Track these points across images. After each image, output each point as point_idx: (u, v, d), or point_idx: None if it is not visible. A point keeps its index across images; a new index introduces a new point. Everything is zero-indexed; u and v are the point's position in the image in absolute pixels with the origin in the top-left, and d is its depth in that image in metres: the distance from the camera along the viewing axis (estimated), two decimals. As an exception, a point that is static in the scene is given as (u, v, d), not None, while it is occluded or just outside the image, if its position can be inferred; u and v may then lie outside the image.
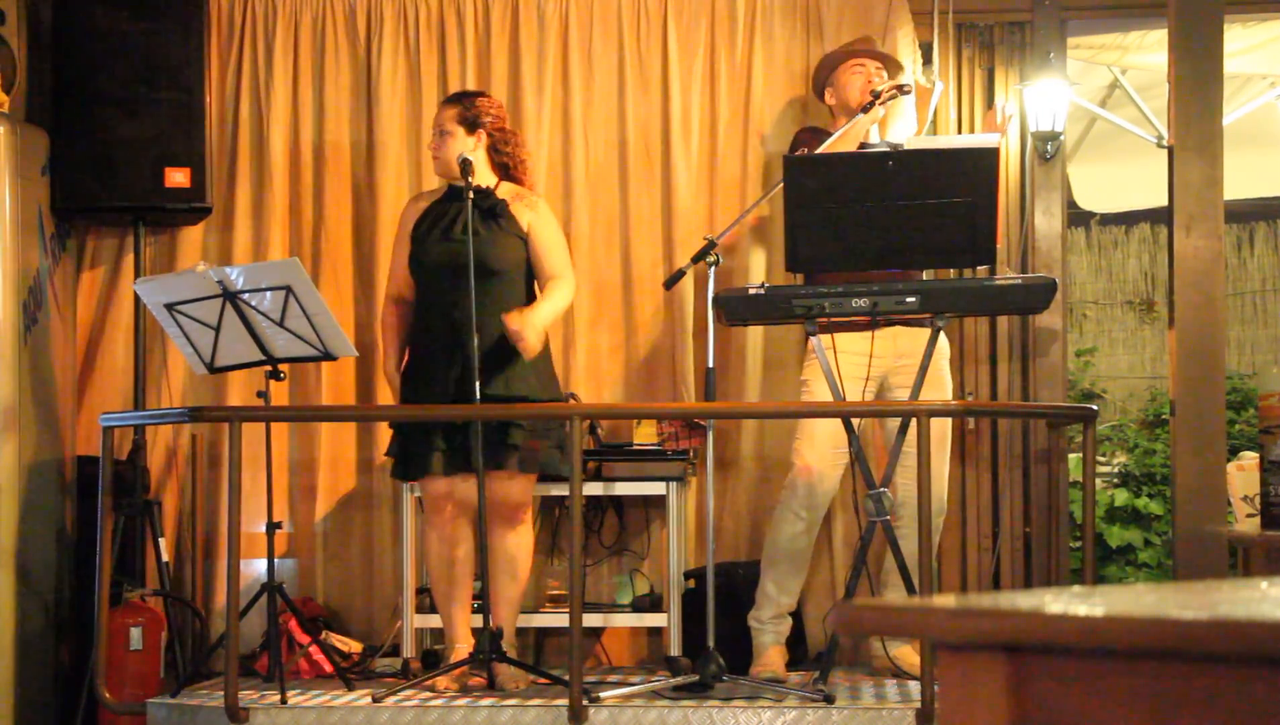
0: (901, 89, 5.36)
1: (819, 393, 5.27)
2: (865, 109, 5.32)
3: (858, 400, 5.11)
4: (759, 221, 5.92)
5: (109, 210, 5.89)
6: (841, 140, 5.28)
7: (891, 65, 5.63)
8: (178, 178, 5.78)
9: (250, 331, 4.96)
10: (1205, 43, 5.20)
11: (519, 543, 5.18)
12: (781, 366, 5.89)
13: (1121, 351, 10.52)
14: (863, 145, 5.33)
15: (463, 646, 5.14)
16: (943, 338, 5.26)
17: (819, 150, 5.22)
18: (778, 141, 5.94)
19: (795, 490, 5.35)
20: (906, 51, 5.96)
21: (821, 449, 5.33)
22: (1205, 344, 5.19)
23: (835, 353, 5.09)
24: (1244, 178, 7.15)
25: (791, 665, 5.45)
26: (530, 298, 5.22)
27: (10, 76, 5.72)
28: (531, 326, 4.95)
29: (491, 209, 5.16)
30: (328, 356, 5.10)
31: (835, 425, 5.22)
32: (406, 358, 5.28)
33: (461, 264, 4.96)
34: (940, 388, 5.34)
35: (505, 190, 5.26)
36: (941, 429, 5.34)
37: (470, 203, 5.02)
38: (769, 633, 5.39)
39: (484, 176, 5.23)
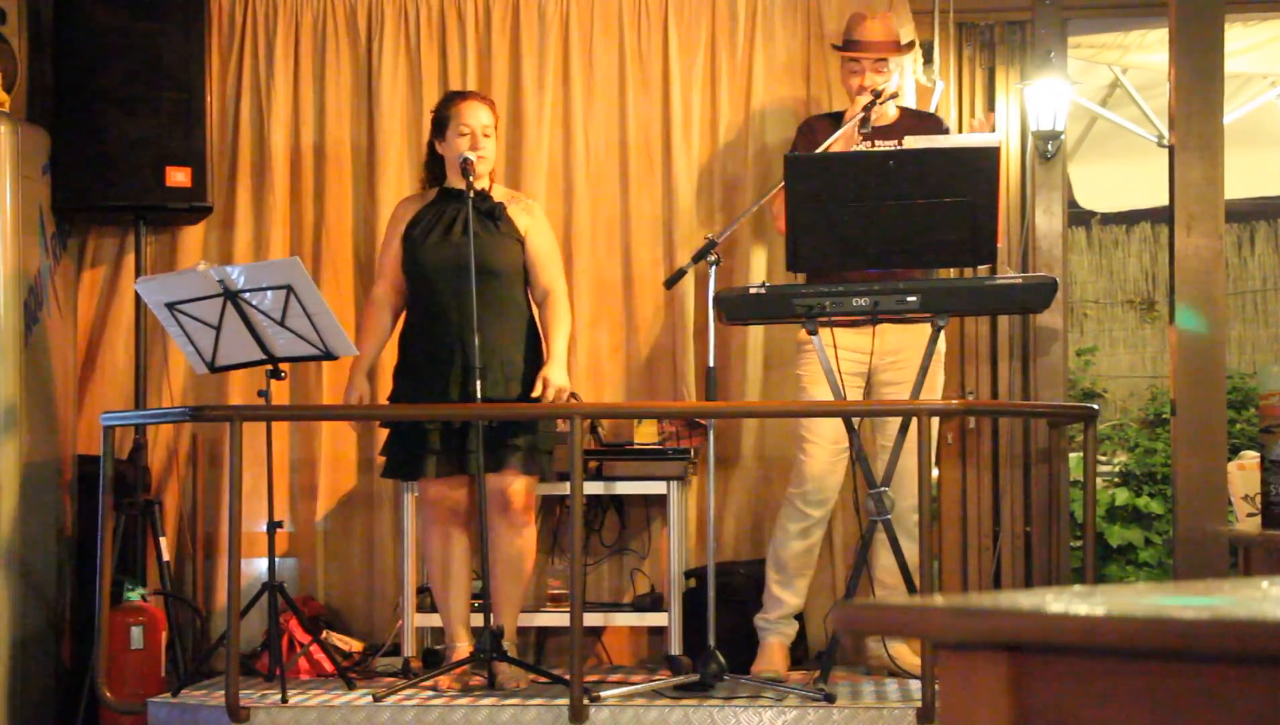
0: (876, 98, 5.28)
1: (814, 390, 5.28)
2: (866, 111, 5.30)
3: (857, 399, 5.17)
4: (759, 221, 5.91)
5: (110, 209, 5.89)
6: (836, 142, 5.27)
7: (893, 50, 5.45)
8: (178, 177, 5.77)
9: (251, 331, 4.96)
10: (1206, 42, 5.20)
11: (522, 544, 5.17)
12: (782, 366, 5.88)
13: (1122, 351, 10.52)
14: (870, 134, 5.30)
15: (463, 645, 5.14)
16: (941, 335, 5.25)
17: (819, 148, 5.21)
18: (778, 141, 5.93)
19: (802, 488, 5.36)
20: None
21: (826, 446, 5.34)
22: (1206, 343, 5.18)
23: (836, 349, 5.09)
24: (1245, 177, 7.15)
25: (792, 665, 5.45)
26: (525, 299, 5.24)
27: (11, 76, 5.72)
28: (556, 386, 5.05)
29: (490, 211, 5.18)
30: (329, 356, 5.10)
31: (838, 423, 5.23)
32: (398, 358, 5.28)
33: (463, 265, 4.97)
34: (932, 386, 5.31)
35: (500, 192, 5.28)
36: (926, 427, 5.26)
37: (471, 204, 5.03)
38: (775, 633, 5.39)
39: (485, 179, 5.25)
